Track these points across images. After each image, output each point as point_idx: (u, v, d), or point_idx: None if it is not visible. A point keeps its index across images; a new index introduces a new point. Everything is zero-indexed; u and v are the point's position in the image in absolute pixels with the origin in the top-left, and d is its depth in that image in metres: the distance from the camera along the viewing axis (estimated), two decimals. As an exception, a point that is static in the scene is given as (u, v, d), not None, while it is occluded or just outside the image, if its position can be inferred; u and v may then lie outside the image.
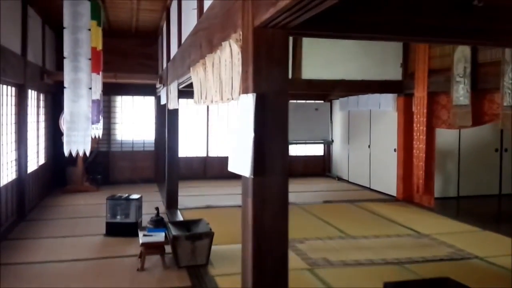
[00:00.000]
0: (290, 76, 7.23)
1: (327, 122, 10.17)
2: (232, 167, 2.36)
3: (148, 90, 9.54)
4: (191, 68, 4.02)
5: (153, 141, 9.77)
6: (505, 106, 5.42)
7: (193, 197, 7.94)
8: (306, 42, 7.25)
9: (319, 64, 7.35)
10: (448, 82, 6.43)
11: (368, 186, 8.92)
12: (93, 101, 4.64)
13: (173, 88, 5.93)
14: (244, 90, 2.24)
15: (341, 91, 9.18)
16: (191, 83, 5.18)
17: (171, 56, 6.53)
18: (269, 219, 2.17)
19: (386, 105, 8.07)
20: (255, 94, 2.09)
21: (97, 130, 5.61)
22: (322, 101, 10.31)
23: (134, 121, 9.70)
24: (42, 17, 7.50)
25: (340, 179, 10.06)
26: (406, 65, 7.59)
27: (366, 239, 5.53)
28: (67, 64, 3.97)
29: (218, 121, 10.10)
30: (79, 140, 4.08)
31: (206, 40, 3.47)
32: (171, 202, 7.07)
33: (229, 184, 9.35)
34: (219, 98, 2.90)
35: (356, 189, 8.93)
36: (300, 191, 8.53)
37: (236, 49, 2.37)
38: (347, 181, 9.79)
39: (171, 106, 6.36)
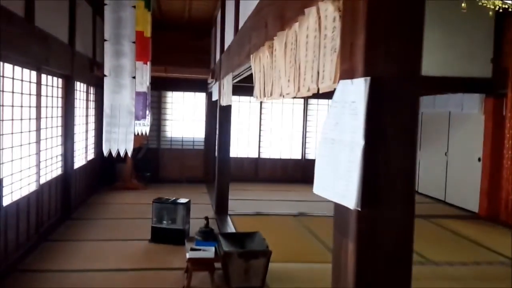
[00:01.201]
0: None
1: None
2: (320, 190, 1.58)
3: (200, 85, 9.00)
4: (251, 56, 3.30)
5: (203, 139, 9.21)
6: None
7: (244, 202, 7.27)
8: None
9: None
10: None
11: (443, 199, 7.80)
12: (138, 93, 4.05)
13: (227, 82, 5.25)
14: (345, 74, 1.47)
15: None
16: (248, 77, 4.53)
17: (225, 47, 5.87)
18: (381, 274, 1.38)
19: (471, 107, 6.94)
20: (368, 79, 1.30)
21: (144, 127, 5.05)
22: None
23: (185, 117, 9.19)
24: (93, 7, 7.11)
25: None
26: (498, 60, 6.42)
27: (451, 266, 4.59)
28: (108, 48, 3.38)
29: (272, 120, 9.36)
30: (120, 137, 3.49)
31: (274, 16, 2.72)
32: (221, 207, 6.43)
33: (281, 188, 8.63)
34: (294, 89, 2.14)
35: (429, 202, 7.83)
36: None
37: (331, 13, 1.60)
38: (417, 192, 8.66)
39: (223, 102, 5.70)
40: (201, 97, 9.24)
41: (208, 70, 8.27)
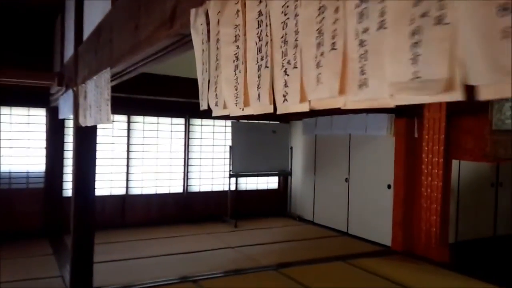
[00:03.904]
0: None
1: (287, 149, 8.09)
2: None
3: (36, 97, 6.46)
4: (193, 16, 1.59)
5: (43, 174, 6.61)
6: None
7: (111, 264, 5.12)
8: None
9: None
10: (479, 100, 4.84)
11: (345, 230, 6.98)
12: None
13: (95, 87, 3.28)
14: None
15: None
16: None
17: (86, 36, 3.85)
18: None
19: (377, 129, 6.27)
20: None
21: None
22: (278, 122, 8.23)
23: (13, 143, 6.45)
24: None
25: (301, 219, 7.99)
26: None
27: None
28: None
29: (144, 144, 7.34)
30: None
31: None
32: (82, 279, 4.23)
33: (159, 233, 6.68)
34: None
35: (331, 235, 6.91)
36: (265, 243, 6.23)
37: None
38: (312, 223, 7.75)
39: (86, 121, 3.65)
40: (38, 114, 6.65)
41: (50, 74, 5.87)
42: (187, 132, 7.65)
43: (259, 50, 1.15)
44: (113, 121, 6.76)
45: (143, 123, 7.29)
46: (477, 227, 6.58)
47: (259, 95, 1.17)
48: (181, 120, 7.62)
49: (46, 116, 6.62)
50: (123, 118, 7.09)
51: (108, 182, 7.00)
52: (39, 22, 6.26)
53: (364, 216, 6.60)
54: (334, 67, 0.85)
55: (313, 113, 7.51)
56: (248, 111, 1.28)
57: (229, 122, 7.84)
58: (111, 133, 7.02)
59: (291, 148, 8.21)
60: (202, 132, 7.82)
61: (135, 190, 7.23)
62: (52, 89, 5.98)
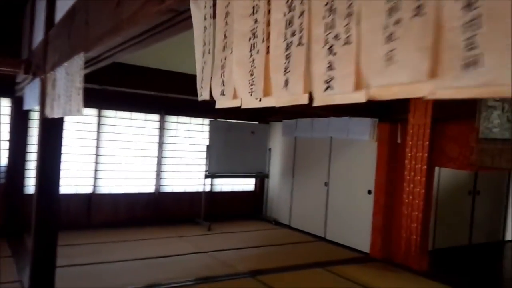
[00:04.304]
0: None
1: (265, 150, 7.86)
2: None
3: (0, 87, 5.97)
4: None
5: (5, 168, 6.11)
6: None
7: (74, 269, 4.73)
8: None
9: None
10: (466, 106, 4.77)
11: (323, 235, 6.81)
12: None
13: (66, 75, 2.94)
14: None
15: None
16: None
17: (58, 19, 3.49)
18: None
19: (359, 133, 6.14)
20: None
21: None
22: (256, 122, 8.00)
23: (-29, 134, 5.93)
24: None
25: (277, 223, 7.77)
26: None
27: None
28: None
29: (115, 140, 6.93)
30: None
31: None
32: (42, 283, 3.84)
33: (128, 235, 6.31)
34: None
35: (308, 240, 6.73)
36: (240, 247, 5.97)
37: None
38: (288, 227, 7.55)
39: (54, 112, 3.29)
40: (3, 104, 6.14)
41: (16, 61, 5.40)
42: (161, 129, 7.29)
43: (289, 23, 0.91)
44: (82, 111, 6.33)
45: (115, 118, 6.88)
46: (454, 235, 6.57)
47: (287, 82, 0.92)
48: (156, 117, 7.26)
49: (11, 106, 6.12)
50: (93, 112, 6.67)
51: (74, 180, 6.55)
52: (6, 6, 5.77)
53: (342, 221, 6.46)
54: (420, 40, 0.61)
55: (293, 115, 7.33)
56: (267, 102, 1.03)
57: (206, 121, 7.54)
58: (79, 127, 6.58)
59: (270, 149, 8.00)
60: (178, 130, 7.48)
61: (103, 189, 6.81)
62: (18, 78, 5.52)
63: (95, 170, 6.71)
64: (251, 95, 1.04)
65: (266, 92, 0.99)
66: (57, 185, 3.95)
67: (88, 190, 6.67)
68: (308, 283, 4.81)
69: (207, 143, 7.24)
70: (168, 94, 4.97)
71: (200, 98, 1.30)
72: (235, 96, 1.11)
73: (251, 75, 1.04)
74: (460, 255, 6.43)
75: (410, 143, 5.41)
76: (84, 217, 6.62)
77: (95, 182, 6.72)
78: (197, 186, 7.61)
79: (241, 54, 1.07)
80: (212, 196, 7.76)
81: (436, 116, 5.15)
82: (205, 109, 7.61)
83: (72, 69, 2.78)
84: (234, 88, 1.10)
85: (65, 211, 6.18)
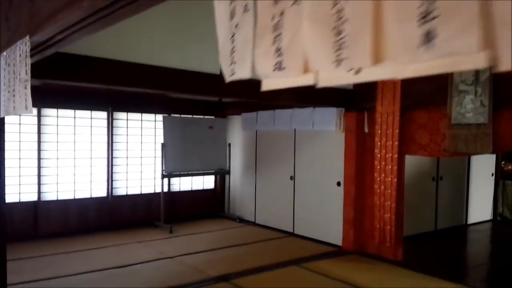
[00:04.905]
0: (217, 70, 4.40)
1: (225, 146, 7.47)
2: None
3: None
4: None
5: None
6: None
7: (22, 286, 4.10)
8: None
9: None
10: (436, 92, 4.71)
11: (291, 231, 6.58)
12: None
13: (6, 66, 2.39)
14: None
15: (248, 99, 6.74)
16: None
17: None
18: None
19: (325, 124, 5.94)
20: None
21: None
22: (214, 117, 7.57)
23: None
24: None
25: (242, 220, 7.44)
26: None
27: None
28: None
29: (58, 142, 6.21)
30: None
31: None
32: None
33: (77, 244, 5.66)
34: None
35: (277, 236, 6.46)
36: (208, 249, 5.56)
37: None
38: (254, 223, 7.24)
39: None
40: None
41: None
42: (110, 127, 6.66)
43: None
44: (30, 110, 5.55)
45: (57, 117, 6.16)
46: (420, 221, 6.61)
47: (429, 34, 0.57)
48: (103, 114, 6.61)
49: None
50: (33, 111, 5.90)
51: (15, 187, 5.78)
52: None
53: (312, 215, 6.26)
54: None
55: (252, 107, 7.01)
56: (378, 74, 0.67)
57: (160, 117, 7.01)
58: (17, 129, 5.80)
59: (229, 144, 7.62)
60: (129, 127, 6.88)
61: (49, 195, 6.08)
62: None
63: (39, 175, 5.97)
64: (338, 64, 0.69)
65: (378, 56, 0.64)
66: (2, 193, 3.35)
67: (32, 197, 5.92)
68: (286, 283, 4.54)
69: (162, 141, 6.73)
70: (117, 86, 4.39)
71: (230, 78, 0.92)
72: (305, 69, 0.74)
73: (338, 33, 0.68)
74: (428, 241, 6.48)
75: (379, 131, 5.29)
76: (30, 227, 5.88)
77: (39, 188, 5.97)
78: (154, 187, 7.08)
79: (317, 9, 0.71)
80: (171, 196, 7.27)
81: (404, 103, 5.05)
82: (157, 104, 7.09)
83: (15, 58, 2.24)
84: (306, 56, 0.74)
85: (9, 221, 5.42)
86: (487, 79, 4.24)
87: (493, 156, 7.57)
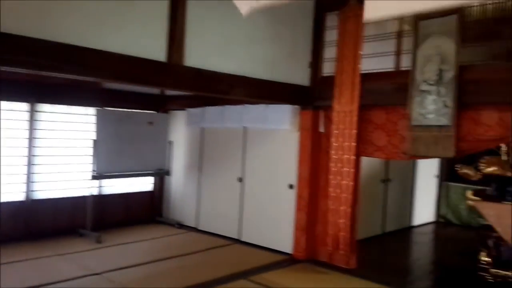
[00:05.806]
0: (164, 57, 3.80)
1: (165, 144, 6.79)
2: None
3: None
4: None
5: None
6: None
7: None
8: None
9: (210, 47, 4.16)
10: (398, 91, 4.49)
11: (237, 237, 6.09)
12: None
13: None
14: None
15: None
16: None
17: None
18: None
19: (278, 122, 5.54)
20: None
21: None
22: (154, 112, 6.86)
23: None
24: None
25: (182, 226, 6.81)
26: (318, 64, 5.29)
27: None
28: None
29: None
30: None
31: None
32: None
33: (21, 252, 4.70)
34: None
35: (222, 244, 5.92)
36: (143, 262, 4.89)
37: None
38: (196, 230, 6.64)
39: None
40: None
41: None
42: (31, 121, 5.72)
43: None
44: None
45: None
46: (369, 225, 6.46)
47: None
48: (24, 105, 5.66)
49: None
50: None
51: None
52: None
53: (260, 220, 5.82)
54: None
55: (199, 102, 6.43)
56: None
57: (91, 110, 6.18)
58: None
59: (171, 142, 6.96)
60: (54, 121, 5.97)
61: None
62: None
63: None
64: None
65: None
66: None
67: None
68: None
69: (94, 137, 5.92)
70: (43, 71, 3.60)
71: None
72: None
73: None
74: (377, 246, 6.34)
75: (336, 132, 4.98)
76: None
77: None
78: (81, 189, 6.22)
79: None
80: (102, 200, 6.45)
81: (363, 102, 4.78)
82: (89, 95, 6.24)
83: None
84: None
85: None
86: (452, 79, 4.07)
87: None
